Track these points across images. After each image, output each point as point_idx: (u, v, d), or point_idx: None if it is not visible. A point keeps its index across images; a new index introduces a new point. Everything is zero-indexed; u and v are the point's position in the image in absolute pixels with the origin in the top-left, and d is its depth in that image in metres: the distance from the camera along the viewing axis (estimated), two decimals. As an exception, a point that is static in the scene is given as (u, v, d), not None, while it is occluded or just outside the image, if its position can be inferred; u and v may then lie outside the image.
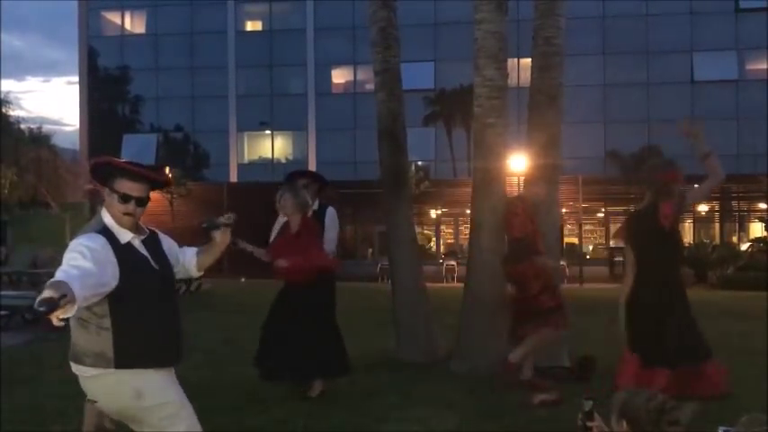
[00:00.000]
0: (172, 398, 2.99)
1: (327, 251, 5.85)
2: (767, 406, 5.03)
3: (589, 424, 2.62)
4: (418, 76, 30.23)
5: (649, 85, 33.37)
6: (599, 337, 7.16)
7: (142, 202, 2.99)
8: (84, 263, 2.71)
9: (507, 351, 6.71)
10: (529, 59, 7.34)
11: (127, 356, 2.86)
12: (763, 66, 34.10)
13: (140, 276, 2.92)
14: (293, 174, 6.42)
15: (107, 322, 2.82)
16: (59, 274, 2.60)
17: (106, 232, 2.92)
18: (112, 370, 2.85)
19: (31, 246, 20.48)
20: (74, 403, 5.60)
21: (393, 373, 6.51)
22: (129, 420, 3.04)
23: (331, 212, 6.13)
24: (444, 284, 20.89)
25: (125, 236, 2.97)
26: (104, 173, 3.01)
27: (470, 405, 5.49)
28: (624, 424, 2.38)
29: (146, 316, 2.91)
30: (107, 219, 2.98)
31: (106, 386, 2.90)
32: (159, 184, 3.17)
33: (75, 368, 2.94)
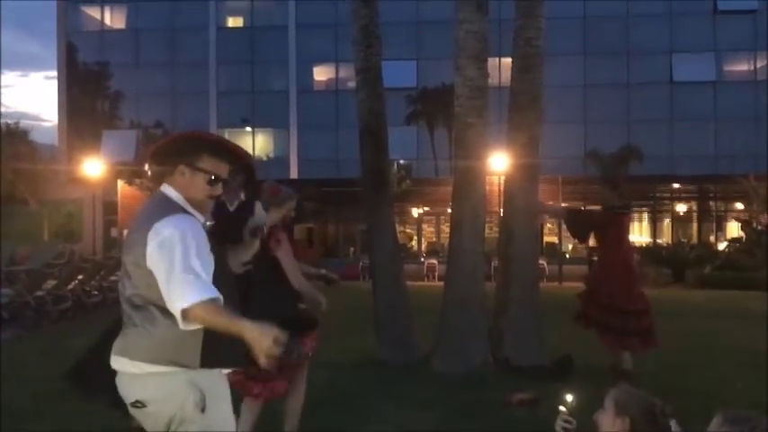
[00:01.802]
0: (231, 419, 2.61)
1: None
2: (744, 402, 5.11)
3: (567, 426, 2.67)
4: (400, 74, 30.27)
5: (629, 85, 33.68)
6: (577, 336, 7.21)
7: (226, 183, 2.66)
8: (208, 259, 2.44)
9: (486, 350, 6.77)
10: (510, 59, 7.38)
11: (212, 355, 2.46)
12: (740, 67, 34.58)
13: (220, 264, 2.56)
14: None
15: None
16: (206, 289, 2.33)
17: (188, 213, 2.52)
18: (190, 370, 2.44)
19: (9, 242, 20.22)
20: (50, 402, 5.56)
21: (373, 373, 6.52)
22: None
23: (258, 205, 5.44)
24: (425, 283, 20.95)
25: (200, 218, 2.61)
26: (185, 148, 2.60)
27: (450, 404, 5.51)
28: (628, 421, 2.46)
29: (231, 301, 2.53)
30: (178, 198, 2.56)
31: (171, 387, 2.45)
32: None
33: (134, 365, 2.46)
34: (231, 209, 5.32)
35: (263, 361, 2.30)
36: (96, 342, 4.32)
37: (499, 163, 15.18)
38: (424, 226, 37.17)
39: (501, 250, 7.64)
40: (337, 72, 35.70)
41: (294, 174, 33.69)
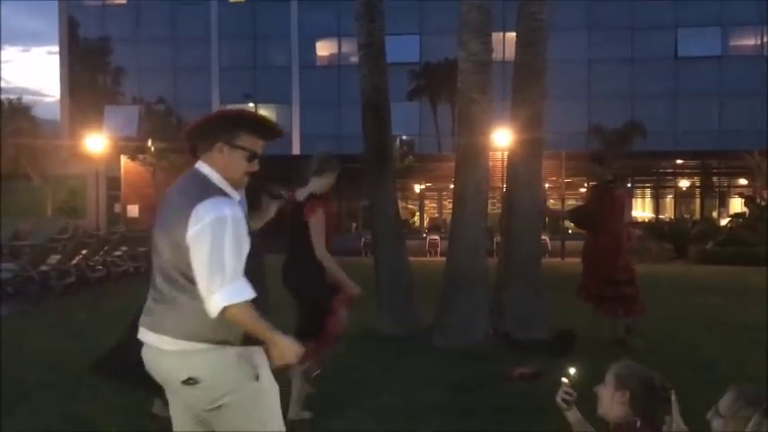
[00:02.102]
0: (276, 386, 2.65)
1: None
2: (744, 376, 5.15)
3: (567, 398, 2.71)
4: (403, 49, 30.06)
5: (633, 60, 33.42)
6: (579, 311, 7.26)
7: (260, 159, 2.67)
8: (245, 249, 2.45)
9: (487, 324, 6.82)
10: (515, 33, 7.33)
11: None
12: (746, 42, 34.27)
13: (252, 242, 2.60)
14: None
15: None
16: (246, 288, 2.39)
17: (226, 195, 2.53)
18: (235, 346, 2.48)
19: (13, 218, 20.28)
20: (57, 375, 5.62)
21: (375, 347, 6.57)
22: (224, 409, 2.53)
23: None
24: (427, 259, 21.00)
25: (236, 197, 2.61)
26: (223, 126, 2.59)
27: (451, 378, 5.55)
28: (627, 395, 2.50)
29: (259, 285, 2.57)
30: (215, 177, 2.55)
31: (224, 363, 2.48)
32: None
33: (178, 343, 2.47)
34: None
35: (275, 365, 2.49)
36: (123, 335, 4.25)
37: (502, 138, 15.14)
38: (427, 202, 37.17)
39: (503, 226, 7.65)
40: (340, 47, 35.47)
41: (296, 150, 33.62)
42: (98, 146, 27.85)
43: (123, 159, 33.36)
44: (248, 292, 2.39)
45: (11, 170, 34.19)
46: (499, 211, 10.53)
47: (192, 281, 2.42)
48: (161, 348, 2.50)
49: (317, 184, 4.57)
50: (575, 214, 7.70)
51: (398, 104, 13.08)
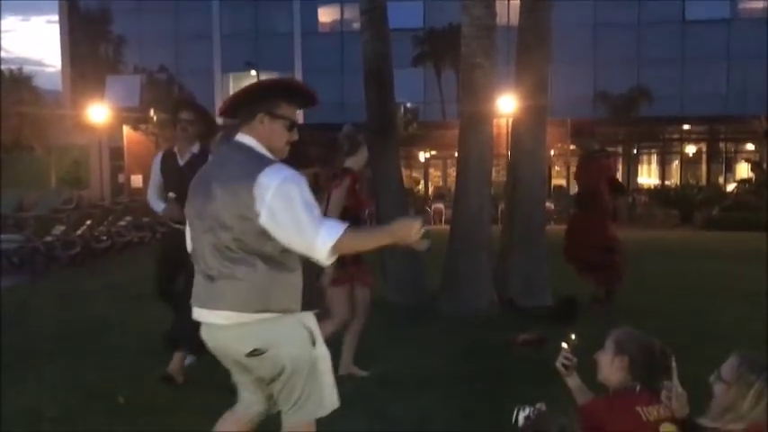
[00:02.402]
0: (328, 352, 2.74)
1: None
2: (746, 343, 5.16)
3: (566, 363, 2.73)
4: (407, 14, 29.67)
5: (640, 24, 32.95)
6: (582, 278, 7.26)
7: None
8: (313, 200, 2.51)
9: (492, 292, 6.84)
10: (518, -2, 7.23)
11: (310, 298, 2.60)
12: (755, 5, 33.69)
13: None
14: (179, 103, 5.85)
15: (297, 263, 2.53)
16: (336, 224, 2.47)
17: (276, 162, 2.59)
18: (294, 313, 2.55)
19: (17, 189, 20.29)
20: (64, 346, 5.66)
21: (380, 315, 6.56)
22: (285, 376, 2.57)
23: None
24: (432, 227, 20.98)
25: None
26: (263, 97, 2.63)
27: (456, 345, 5.58)
28: (626, 360, 2.52)
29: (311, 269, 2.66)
30: (260, 148, 2.59)
31: (286, 330, 2.54)
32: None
33: (241, 316, 2.50)
34: (182, 162, 4.90)
35: (417, 246, 2.62)
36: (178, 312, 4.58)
37: (507, 105, 15.02)
38: (431, 170, 37.02)
39: (508, 193, 7.63)
40: (342, 13, 35.04)
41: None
42: (100, 116, 27.74)
43: (126, 129, 33.23)
44: (340, 227, 2.46)
45: (14, 141, 34.10)
46: (504, 178, 10.49)
47: (250, 251, 2.47)
48: (221, 324, 2.54)
49: (353, 162, 4.77)
50: (575, 202, 8.01)
51: (402, 71, 12.94)
